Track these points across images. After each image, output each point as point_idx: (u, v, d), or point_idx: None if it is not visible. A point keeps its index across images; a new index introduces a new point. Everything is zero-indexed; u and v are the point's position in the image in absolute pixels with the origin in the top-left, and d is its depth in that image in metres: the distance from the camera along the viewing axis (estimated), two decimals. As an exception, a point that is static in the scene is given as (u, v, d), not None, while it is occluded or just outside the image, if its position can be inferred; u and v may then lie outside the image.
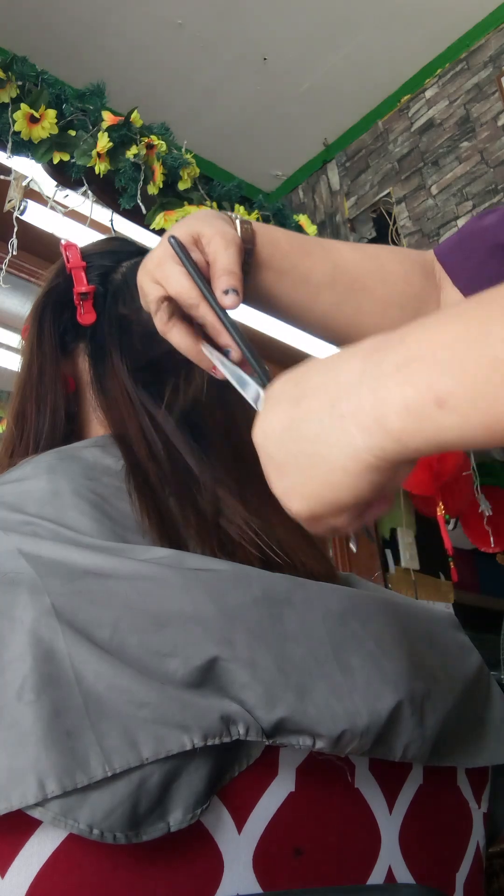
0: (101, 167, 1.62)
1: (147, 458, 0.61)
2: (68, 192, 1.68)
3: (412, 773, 0.55)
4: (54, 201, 1.67)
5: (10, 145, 1.57)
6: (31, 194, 1.66)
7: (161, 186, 1.73)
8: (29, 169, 1.64)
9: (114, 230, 1.73)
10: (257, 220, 1.25)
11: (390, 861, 0.51)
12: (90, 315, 0.71)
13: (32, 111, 1.57)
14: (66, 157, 1.62)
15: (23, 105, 1.55)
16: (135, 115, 1.67)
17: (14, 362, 0.98)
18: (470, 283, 0.66)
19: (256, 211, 2.06)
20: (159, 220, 1.74)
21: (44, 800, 0.38)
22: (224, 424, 0.67)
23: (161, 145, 1.72)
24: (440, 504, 2.39)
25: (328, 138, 3.24)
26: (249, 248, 0.61)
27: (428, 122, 2.86)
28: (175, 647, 0.45)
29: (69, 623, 0.43)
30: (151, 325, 0.60)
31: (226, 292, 0.55)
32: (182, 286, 0.56)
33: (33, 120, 1.58)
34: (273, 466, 0.43)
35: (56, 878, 0.40)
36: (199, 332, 0.59)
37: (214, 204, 1.91)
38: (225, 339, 0.56)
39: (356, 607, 0.53)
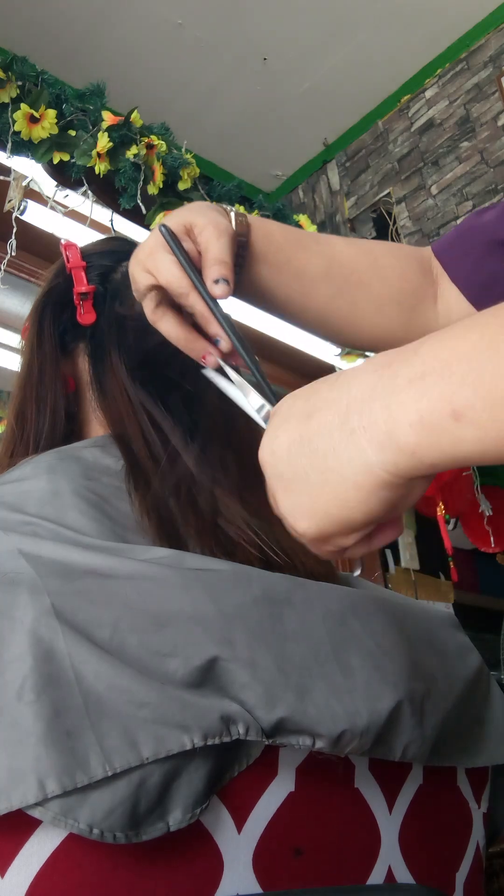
0: (101, 167, 1.62)
1: (146, 458, 0.61)
2: (68, 192, 1.67)
3: (412, 773, 0.55)
4: (54, 201, 1.67)
5: (10, 145, 1.57)
6: (31, 194, 1.66)
7: (161, 186, 1.73)
8: (29, 169, 1.64)
9: (114, 230, 1.73)
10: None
11: (390, 861, 0.51)
12: (90, 315, 0.71)
13: (32, 111, 1.56)
14: (66, 157, 1.62)
15: (23, 105, 1.55)
16: (135, 115, 1.67)
17: (14, 362, 0.98)
18: (468, 280, 0.65)
19: (256, 211, 2.06)
20: (159, 220, 1.73)
21: (44, 799, 0.38)
22: (223, 425, 0.67)
23: (161, 145, 1.72)
24: (440, 504, 2.39)
25: (328, 138, 3.24)
26: (244, 241, 0.60)
27: (428, 122, 2.86)
28: (175, 647, 0.45)
29: (69, 623, 0.43)
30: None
31: (216, 282, 0.54)
32: (172, 275, 0.56)
33: (33, 120, 1.57)
34: (280, 485, 0.41)
35: (56, 878, 0.40)
36: (190, 321, 0.58)
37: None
38: (214, 328, 0.56)
39: (356, 607, 0.53)
